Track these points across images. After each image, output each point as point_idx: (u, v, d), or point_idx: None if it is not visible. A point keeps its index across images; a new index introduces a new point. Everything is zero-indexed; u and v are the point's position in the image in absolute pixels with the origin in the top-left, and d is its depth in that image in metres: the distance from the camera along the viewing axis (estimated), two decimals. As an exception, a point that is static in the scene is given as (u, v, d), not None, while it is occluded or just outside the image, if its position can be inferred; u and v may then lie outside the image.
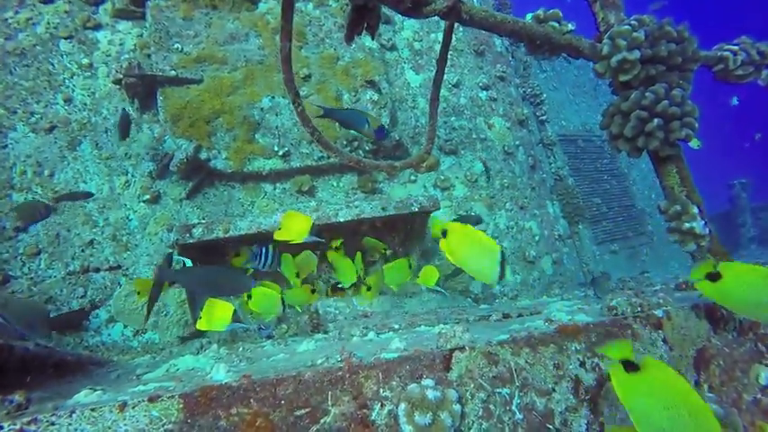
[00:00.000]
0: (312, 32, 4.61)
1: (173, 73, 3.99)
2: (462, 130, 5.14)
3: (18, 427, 1.17)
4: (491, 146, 5.23)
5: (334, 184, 4.49)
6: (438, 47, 5.41)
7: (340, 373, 1.45)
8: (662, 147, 2.40)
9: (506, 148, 5.26)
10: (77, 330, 3.46)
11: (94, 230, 3.76)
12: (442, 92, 5.21)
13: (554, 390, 1.67)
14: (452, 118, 5.13)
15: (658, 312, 1.86)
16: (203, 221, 3.38)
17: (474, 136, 5.17)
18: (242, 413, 1.33)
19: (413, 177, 4.77)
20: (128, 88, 3.87)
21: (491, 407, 1.58)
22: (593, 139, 10.45)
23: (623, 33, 2.45)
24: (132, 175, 3.94)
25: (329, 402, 1.41)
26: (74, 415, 1.21)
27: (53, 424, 1.19)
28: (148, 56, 4.08)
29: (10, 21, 3.94)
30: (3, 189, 3.63)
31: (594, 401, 1.71)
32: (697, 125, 2.38)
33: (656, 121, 2.35)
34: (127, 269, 3.77)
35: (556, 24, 2.33)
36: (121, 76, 3.78)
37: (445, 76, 5.28)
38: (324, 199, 4.38)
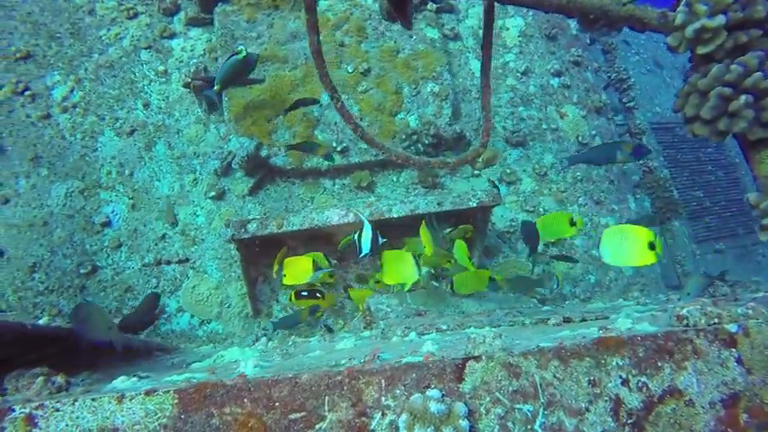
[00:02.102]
0: (372, 26, 4.57)
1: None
2: (531, 121, 4.81)
3: (27, 410, 1.25)
4: (563, 136, 4.84)
5: (394, 179, 4.42)
6: (505, 33, 5.13)
7: (339, 378, 1.38)
8: (752, 129, 2.02)
9: (581, 138, 4.84)
10: (150, 325, 3.71)
11: (167, 225, 4.04)
12: (510, 80, 4.92)
13: (587, 410, 1.46)
14: (520, 108, 4.82)
15: (731, 327, 1.55)
16: (258, 217, 3.48)
17: (544, 126, 4.82)
18: (235, 413, 1.31)
19: (476, 171, 4.56)
20: (195, 91, 4.10)
21: (509, 424, 1.42)
22: None
23: (701, -3, 2.10)
24: (200, 173, 4.18)
25: (326, 408, 1.35)
26: (76, 403, 1.27)
27: (57, 410, 1.25)
28: (216, 59, 4.30)
29: (103, 37, 4.35)
30: (93, 188, 4.02)
31: (639, 427, 1.47)
32: (795, 102, 1.97)
33: (743, 97, 1.97)
34: (194, 262, 4.00)
35: (611, -6, 2.05)
36: (189, 80, 4.01)
37: (513, 64, 4.99)
38: (383, 194, 4.33)
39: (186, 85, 4.07)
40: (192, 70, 4.02)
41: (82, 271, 3.80)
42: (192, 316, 3.91)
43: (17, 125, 4.05)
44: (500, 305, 3.94)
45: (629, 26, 2.15)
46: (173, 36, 4.44)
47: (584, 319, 3.00)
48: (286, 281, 3.29)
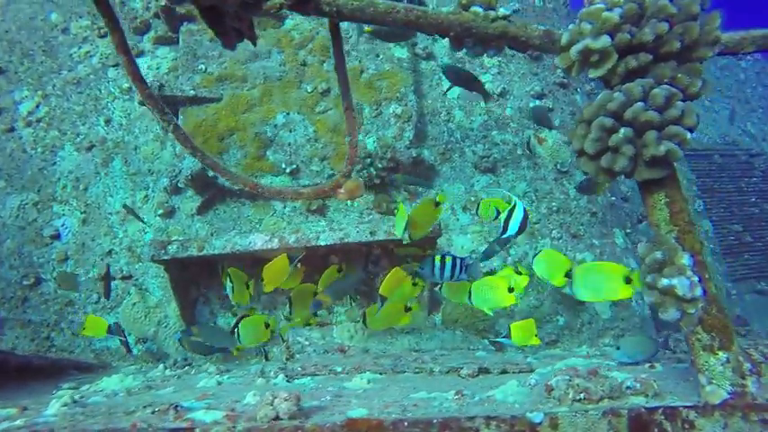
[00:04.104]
0: (337, 46, 4.44)
1: (192, 93, 4.15)
2: (506, 146, 4.50)
3: None
4: (540, 163, 4.49)
5: (348, 203, 4.23)
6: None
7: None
8: (635, 168, 1.70)
9: (559, 166, 4.47)
10: None
11: (114, 241, 4.04)
12: (485, 103, 4.63)
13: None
14: (494, 132, 4.53)
15: (534, 416, 1.26)
16: (179, 239, 3.39)
17: (519, 152, 4.49)
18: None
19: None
20: (151, 108, 4.11)
21: None
22: (735, 154, 8.65)
23: (593, 14, 1.82)
24: (152, 191, 4.17)
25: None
26: None
27: None
28: (177, 77, 4.32)
29: (74, 55, 4.48)
30: (47, 201, 4.10)
31: None
32: (688, 136, 1.64)
33: (622, 131, 1.67)
34: (137, 279, 3.97)
35: (479, 10, 1.80)
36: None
37: (490, 86, 4.70)
38: (335, 219, 4.16)
39: (141, 103, 4.09)
40: (146, 88, 4.03)
41: (25, 282, 3.85)
42: (129, 333, 3.85)
43: (-16, 138, 4.22)
44: (444, 345, 3.65)
45: (508, 46, 1.90)
46: (140, 54, 4.51)
47: (504, 371, 2.70)
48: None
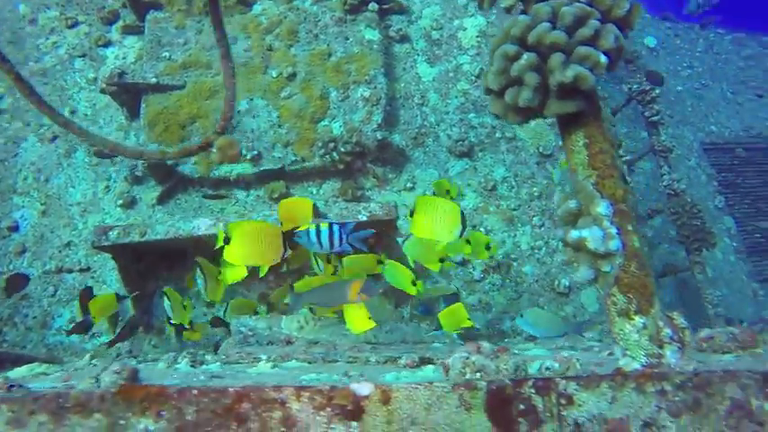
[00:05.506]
0: (306, 29, 4.29)
1: (154, 80, 4.03)
2: (483, 129, 4.23)
3: None
4: (521, 146, 4.20)
5: (313, 191, 4.03)
6: (461, 34, 4.62)
7: None
8: (546, 101, 1.43)
9: (542, 150, 4.16)
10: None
11: (74, 233, 3.93)
12: (462, 85, 4.38)
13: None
14: (471, 115, 4.26)
15: (360, 388, 1.00)
16: (121, 224, 3.24)
17: (498, 135, 4.22)
18: None
19: (409, 185, 4.05)
20: (113, 97, 4.02)
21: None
22: (762, 147, 8.15)
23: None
24: (114, 181, 4.05)
25: None
26: None
27: None
28: (142, 66, 4.21)
29: (41, 46, 4.44)
30: (7, 192, 4.03)
31: None
32: (602, 59, 1.37)
33: (525, 56, 1.41)
34: (95, 271, 3.84)
35: None
36: (104, 86, 3.93)
37: (468, 67, 4.45)
38: (301, 207, 3.95)
39: (102, 91, 3.99)
40: (106, 75, 3.95)
41: (-20, 275, 3.77)
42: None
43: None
44: (405, 338, 3.38)
45: None
46: (108, 44, 4.44)
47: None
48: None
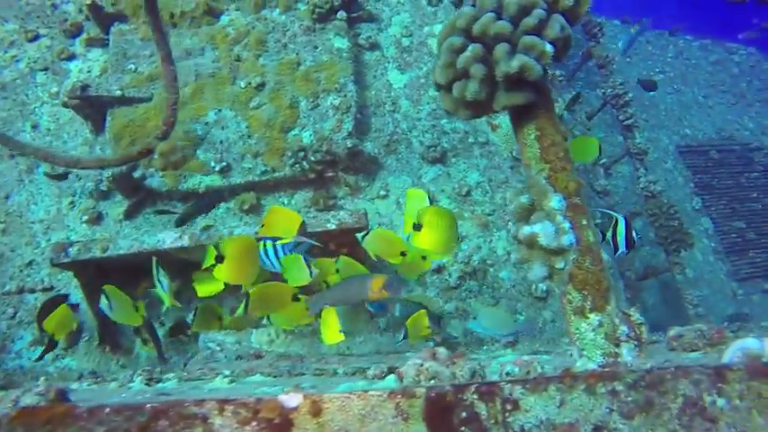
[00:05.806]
0: (274, 39, 4.24)
1: (118, 93, 3.94)
2: (456, 134, 4.21)
3: None
4: (494, 151, 4.18)
5: (285, 201, 3.95)
6: (432, 41, 4.62)
7: None
8: (494, 94, 1.39)
9: (515, 154, 4.15)
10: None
11: (36, 251, 3.79)
12: (433, 91, 4.36)
13: None
14: (443, 120, 4.24)
15: (289, 400, 0.93)
16: (81, 240, 3.12)
17: (471, 140, 4.20)
18: None
19: (383, 192, 4.00)
20: (76, 110, 3.92)
21: None
22: (734, 149, 8.28)
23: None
24: (80, 196, 3.93)
25: None
26: None
27: None
28: (107, 79, 4.12)
29: None
30: (-34, 211, 3.88)
31: None
32: (548, 48, 1.33)
33: (470, 48, 1.37)
34: (59, 290, 3.69)
35: None
36: (66, 99, 3.82)
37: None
38: (272, 218, 3.86)
39: (64, 105, 3.89)
40: (68, 89, 3.84)
41: (-63, 298, 3.60)
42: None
43: None
44: (379, 348, 3.30)
45: None
46: (71, 58, 4.34)
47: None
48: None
